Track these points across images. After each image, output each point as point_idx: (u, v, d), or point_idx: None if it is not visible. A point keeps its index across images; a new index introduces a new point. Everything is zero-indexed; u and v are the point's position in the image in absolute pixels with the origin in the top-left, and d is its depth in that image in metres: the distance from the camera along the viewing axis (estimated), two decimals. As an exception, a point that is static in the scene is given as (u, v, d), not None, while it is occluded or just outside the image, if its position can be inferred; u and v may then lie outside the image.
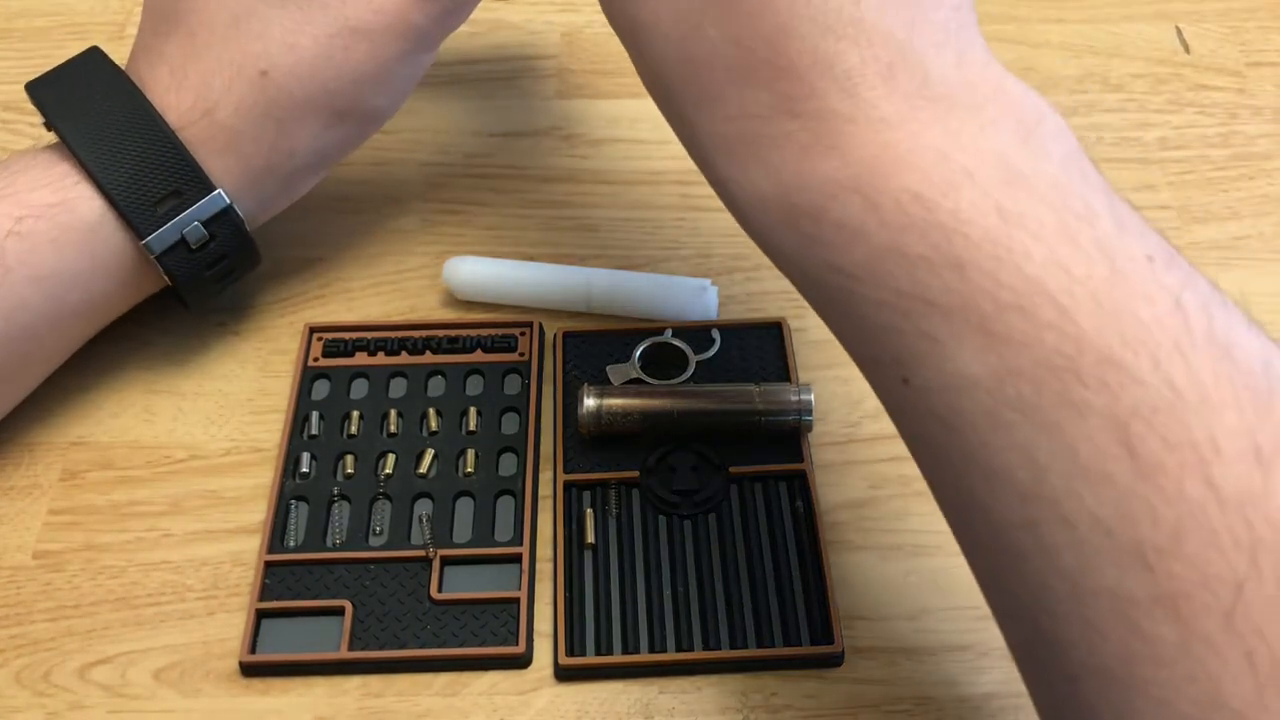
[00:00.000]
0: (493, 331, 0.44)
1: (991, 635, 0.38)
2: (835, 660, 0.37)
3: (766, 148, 0.28)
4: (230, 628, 0.38)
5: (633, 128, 0.53)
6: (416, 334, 0.44)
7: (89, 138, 0.38)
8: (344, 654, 0.37)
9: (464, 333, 0.44)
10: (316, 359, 0.44)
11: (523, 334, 0.44)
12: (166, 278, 0.40)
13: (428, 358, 0.44)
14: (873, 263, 0.27)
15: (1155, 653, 0.23)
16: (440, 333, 0.44)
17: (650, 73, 0.32)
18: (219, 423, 0.43)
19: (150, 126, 0.39)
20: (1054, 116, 0.28)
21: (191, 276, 0.41)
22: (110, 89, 0.39)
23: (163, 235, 0.39)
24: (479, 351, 0.44)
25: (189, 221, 0.39)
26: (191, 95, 0.39)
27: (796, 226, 0.28)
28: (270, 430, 0.42)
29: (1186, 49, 0.56)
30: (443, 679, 0.37)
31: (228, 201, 0.40)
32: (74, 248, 0.38)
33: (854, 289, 0.27)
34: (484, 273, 0.45)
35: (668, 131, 0.52)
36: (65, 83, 0.40)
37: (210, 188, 0.39)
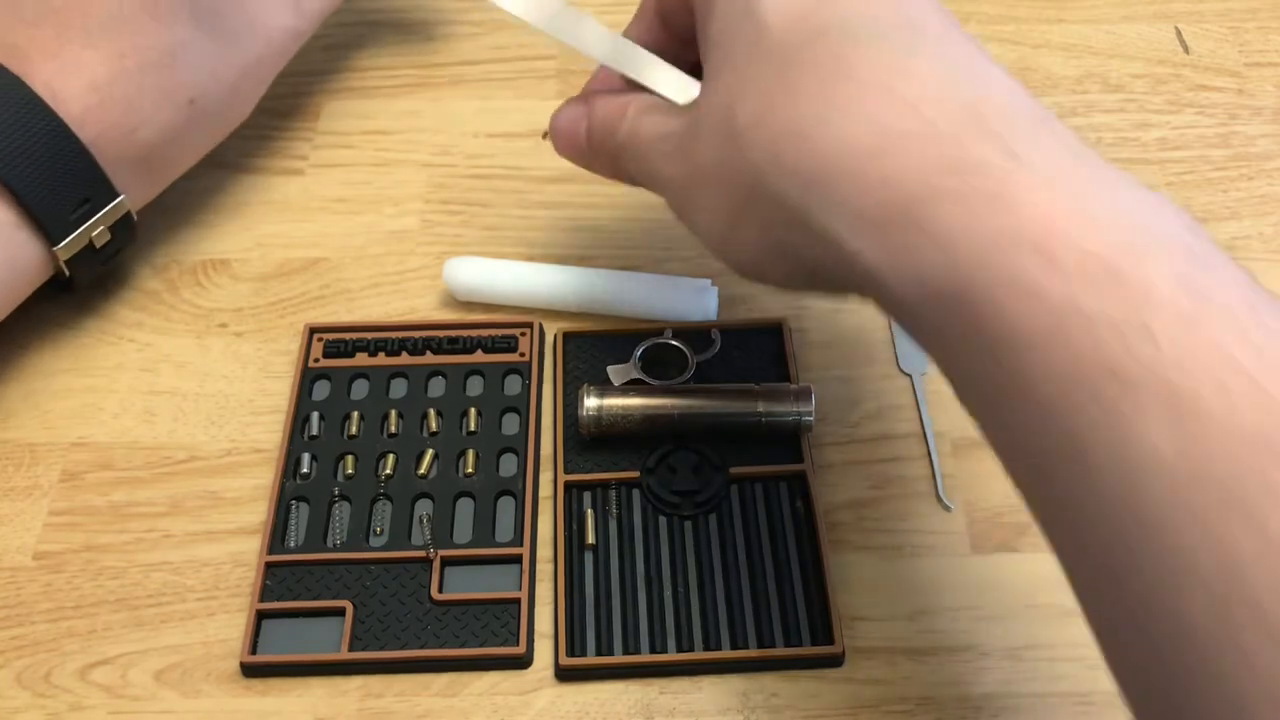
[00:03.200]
0: (493, 332, 0.44)
1: (991, 635, 0.38)
2: (835, 660, 0.37)
3: (923, 211, 0.26)
4: (231, 628, 0.38)
5: (633, 128, 0.53)
6: (416, 334, 0.44)
7: (3, 149, 0.39)
8: (344, 654, 0.37)
9: (464, 333, 0.44)
10: (317, 359, 0.44)
11: (523, 334, 0.44)
12: (65, 270, 0.42)
13: (428, 358, 0.44)
14: (1050, 327, 0.24)
15: None
16: (440, 333, 0.44)
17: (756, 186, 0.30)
18: (219, 423, 0.43)
19: (63, 140, 0.39)
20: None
21: (87, 272, 0.43)
22: (16, 101, 0.39)
23: (71, 242, 0.41)
24: (479, 352, 0.44)
25: (96, 227, 0.42)
26: (117, 113, 0.41)
27: (964, 296, 0.26)
28: (270, 431, 0.42)
29: (1186, 49, 0.56)
30: (443, 679, 0.37)
31: (129, 208, 0.42)
32: None
33: (1028, 359, 0.24)
34: (484, 273, 0.45)
35: (668, 132, 0.52)
36: None
37: (115, 194, 0.41)
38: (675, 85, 0.35)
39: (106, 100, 0.40)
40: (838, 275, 0.29)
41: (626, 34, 0.37)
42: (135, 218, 0.43)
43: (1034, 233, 0.25)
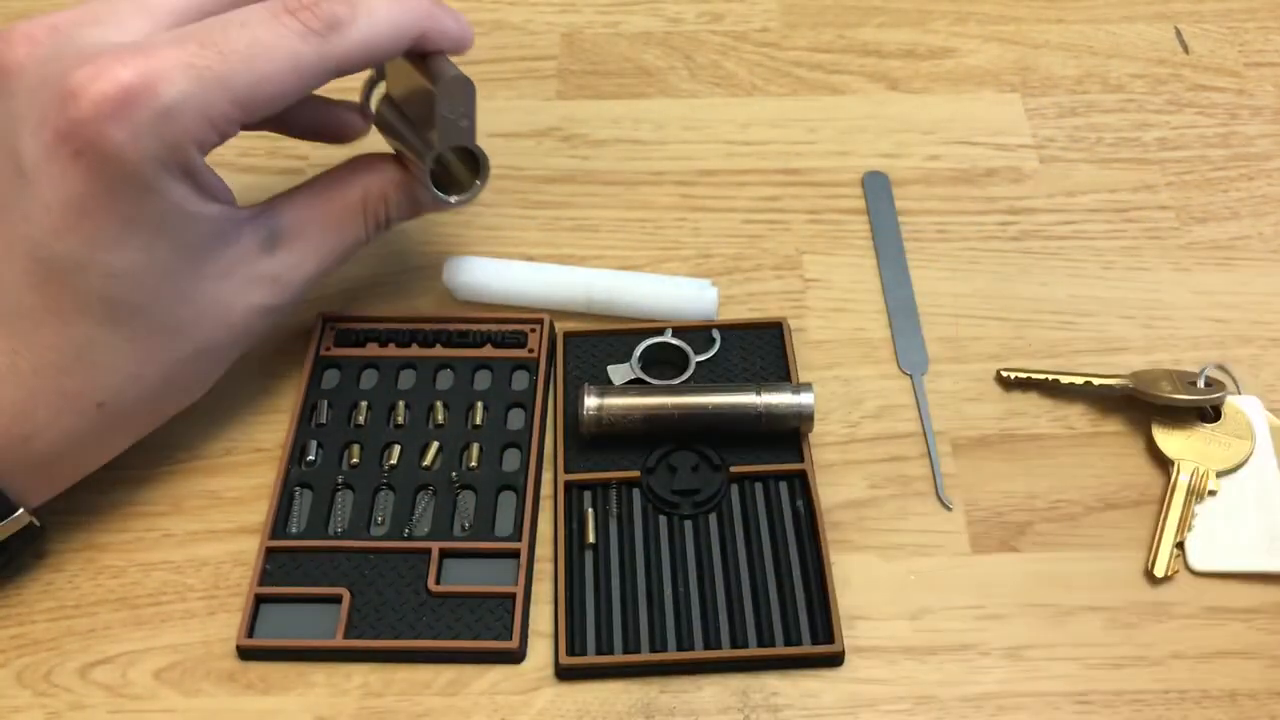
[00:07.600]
0: (503, 327, 0.45)
1: (991, 635, 0.38)
2: (836, 660, 0.37)
3: None
4: (231, 628, 0.38)
5: (633, 128, 0.53)
6: (428, 326, 0.44)
7: None
8: (339, 642, 0.37)
9: (475, 327, 0.44)
10: (328, 348, 0.44)
11: (532, 330, 0.44)
12: None
13: (438, 351, 0.44)
14: None
15: None
16: (451, 326, 0.45)
17: None
18: (220, 423, 0.43)
19: None
20: None
21: None
22: None
23: None
24: (489, 346, 0.44)
25: None
26: (5, 419, 0.35)
27: None
28: (271, 430, 0.42)
29: (1186, 49, 0.56)
30: (443, 678, 0.37)
31: (30, 519, 0.37)
32: None
33: None
34: (484, 273, 0.46)
35: (668, 132, 0.53)
36: None
37: (13, 508, 0.36)
38: None
39: None
40: None
41: None
42: (39, 524, 0.37)
43: None
